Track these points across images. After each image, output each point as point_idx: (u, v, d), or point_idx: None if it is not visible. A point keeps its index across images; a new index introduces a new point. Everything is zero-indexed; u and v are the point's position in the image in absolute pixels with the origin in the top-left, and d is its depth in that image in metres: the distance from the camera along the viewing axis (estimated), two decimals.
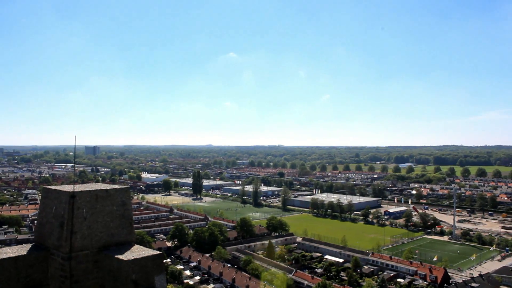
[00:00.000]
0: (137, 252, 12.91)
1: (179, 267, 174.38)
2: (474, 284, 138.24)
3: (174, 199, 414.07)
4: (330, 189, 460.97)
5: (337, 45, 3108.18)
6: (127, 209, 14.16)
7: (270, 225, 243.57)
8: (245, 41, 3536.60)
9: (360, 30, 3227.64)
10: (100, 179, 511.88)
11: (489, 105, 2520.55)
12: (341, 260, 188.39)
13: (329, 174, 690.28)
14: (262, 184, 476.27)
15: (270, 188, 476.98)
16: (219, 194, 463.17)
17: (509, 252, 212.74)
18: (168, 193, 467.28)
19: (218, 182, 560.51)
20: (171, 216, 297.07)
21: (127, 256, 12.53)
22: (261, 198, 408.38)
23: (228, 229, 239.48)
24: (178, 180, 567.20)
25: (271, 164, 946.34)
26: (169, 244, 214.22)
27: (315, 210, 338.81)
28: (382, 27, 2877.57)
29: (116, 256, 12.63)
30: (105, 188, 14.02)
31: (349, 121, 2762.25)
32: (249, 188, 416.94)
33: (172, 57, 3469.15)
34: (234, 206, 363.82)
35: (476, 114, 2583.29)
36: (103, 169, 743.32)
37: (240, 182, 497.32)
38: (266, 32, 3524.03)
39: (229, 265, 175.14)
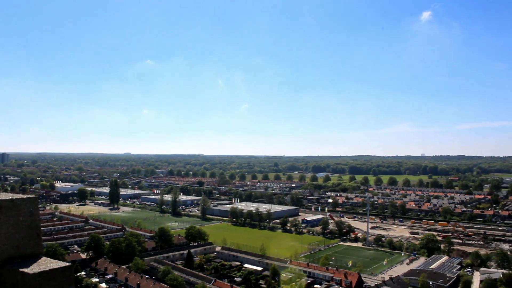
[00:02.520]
0: (44, 264, 12.19)
1: (95, 280, 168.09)
2: (385, 287, 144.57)
3: (90, 209, 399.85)
4: (249, 198, 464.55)
5: (255, 55, 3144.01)
6: (35, 220, 13.36)
7: (189, 234, 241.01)
8: (162, 49, 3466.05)
9: (276, 41, 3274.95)
10: (9, 188, 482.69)
11: (400, 118, 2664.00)
12: (260, 268, 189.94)
13: (248, 183, 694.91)
14: (181, 193, 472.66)
15: (189, 197, 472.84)
16: (137, 204, 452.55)
17: (417, 255, 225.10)
18: (84, 203, 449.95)
19: (136, 191, 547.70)
20: (86, 227, 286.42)
21: (33, 269, 11.80)
22: (180, 208, 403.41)
23: (146, 239, 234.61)
24: (95, 189, 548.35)
25: (191, 173, 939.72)
26: (84, 256, 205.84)
27: (234, 219, 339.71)
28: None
29: (21, 270, 11.85)
30: (10, 197, 13.16)
31: (268, 131, 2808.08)
32: (168, 197, 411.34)
33: (85, 61, 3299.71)
34: (153, 216, 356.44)
35: (388, 126, 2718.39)
36: (12, 177, 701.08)
37: (159, 191, 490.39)
38: (184, 40, 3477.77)
39: (147, 276, 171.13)
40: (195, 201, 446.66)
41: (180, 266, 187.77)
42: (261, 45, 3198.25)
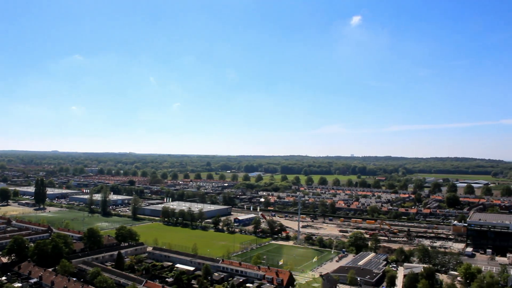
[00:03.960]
0: None
1: (17, 285, 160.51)
2: (315, 284, 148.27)
3: (13, 210, 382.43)
4: (181, 197, 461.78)
5: (188, 53, 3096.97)
6: None
7: (120, 235, 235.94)
8: (91, 43, 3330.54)
9: (209, 40, 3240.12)
10: None
11: (330, 119, 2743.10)
12: (192, 268, 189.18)
13: (180, 182, 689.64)
14: (112, 193, 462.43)
15: (120, 197, 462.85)
16: (65, 204, 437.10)
17: (346, 253, 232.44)
18: (6, 203, 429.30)
19: (64, 191, 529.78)
20: (8, 229, 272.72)
21: None
22: (110, 207, 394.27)
23: (74, 241, 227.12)
24: (19, 188, 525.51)
25: (122, 172, 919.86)
26: (5, 260, 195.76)
27: (166, 219, 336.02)
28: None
29: None
30: None
31: (201, 130, 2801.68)
32: (97, 197, 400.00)
33: (6, 54, 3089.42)
34: (81, 216, 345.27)
35: (319, 127, 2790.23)
36: None
37: (88, 191, 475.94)
38: (115, 35, 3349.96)
39: (74, 279, 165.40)
40: (126, 201, 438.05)
41: (110, 267, 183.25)
42: (195, 44, 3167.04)
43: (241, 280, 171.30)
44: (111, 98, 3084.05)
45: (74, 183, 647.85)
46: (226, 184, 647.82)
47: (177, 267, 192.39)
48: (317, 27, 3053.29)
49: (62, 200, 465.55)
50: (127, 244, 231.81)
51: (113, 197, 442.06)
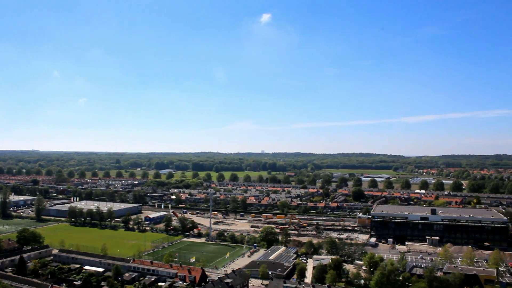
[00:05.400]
0: None
1: None
2: (227, 280, 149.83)
3: None
4: (89, 196, 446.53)
5: (95, 46, 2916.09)
6: None
7: (22, 238, 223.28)
8: None
9: (118, 34, 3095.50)
10: None
11: (241, 116, 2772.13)
12: (101, 270, 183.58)
13: (88, 180, 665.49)
14: (13, 193, 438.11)
15: (22, 197, 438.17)
16: None
17: (257, 248, 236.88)
18: None
19: None
20: None
21: None
22: (11, 209, 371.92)
23: None
24: None
25: (24, 170, 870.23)
26: None
27: (73, 219, 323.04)
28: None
29: None
30: None
31: (109, 127, 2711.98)
32: None
33: None
34: None
35: (230, 123, 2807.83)
36: None
37: None
38: (14, 23, 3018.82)
39: None
40: (29, 201, 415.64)
41: (10, 273, 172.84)
42: (102, 36, 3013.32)
43: (153, 279, 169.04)
44: (10, 91, 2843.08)
45: None
46: (136, 182, 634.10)
47: (85, 269, 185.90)
48: (226, 24, 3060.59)
49: None
50: (30, 247, 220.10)
51: (14, 197, 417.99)
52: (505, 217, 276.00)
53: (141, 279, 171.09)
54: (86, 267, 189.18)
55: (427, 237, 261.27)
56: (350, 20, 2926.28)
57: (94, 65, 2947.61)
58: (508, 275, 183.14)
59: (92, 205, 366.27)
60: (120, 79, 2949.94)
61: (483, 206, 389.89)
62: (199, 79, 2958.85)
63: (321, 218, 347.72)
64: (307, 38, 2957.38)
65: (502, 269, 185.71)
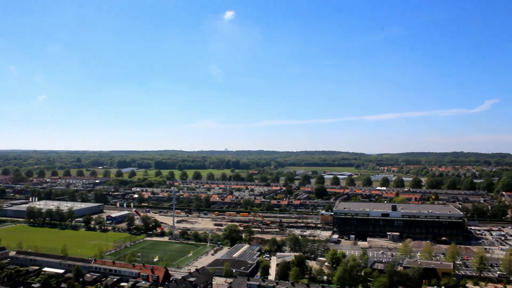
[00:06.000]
0: None
1: None
2: (191, 279, 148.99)
3: None
4: (49, 196, 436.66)
5: (54, 41, 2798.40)
6: None
7: None
8: None
9: (79, 29, 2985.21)
10: None
11: (205, 114, 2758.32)
12: (61, 271, 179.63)
13: (48, 180, 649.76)
14: None
15: None
16: None
17: (221, 246, 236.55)
18: None
19: None
20: None
21: None
22: None
23: None
24: None
25: None
26: None
27: (32, 220, 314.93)
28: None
29: None
30: None
31: (70, 124, 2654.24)
32: None
33: None
34: None
35: (193, 122, 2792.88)
36: None
37: None
38: None
39: None
40: None
41: None
42: (62, 31, 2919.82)
43: (115, 279, 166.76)
44: None
45: None
46: (98, 181, 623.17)
47: (44, 271, 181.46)
48: (190, 21, 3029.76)
49: None
50: None
51: None
52: (461, 213, 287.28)
53: (103, 279, 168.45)
54: (46, 268, 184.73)
55: (388, 233, 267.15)
56: (314, 19, 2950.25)
57: (53, 62, 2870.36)
58: (464, 267, 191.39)
59: (51, 205, 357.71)
60: (81, 76, 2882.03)
61: (441, 202, 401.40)
62: (162, 77, 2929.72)
63: (284, 215, 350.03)
64: (270, 37, 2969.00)
65: (458, 262, 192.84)
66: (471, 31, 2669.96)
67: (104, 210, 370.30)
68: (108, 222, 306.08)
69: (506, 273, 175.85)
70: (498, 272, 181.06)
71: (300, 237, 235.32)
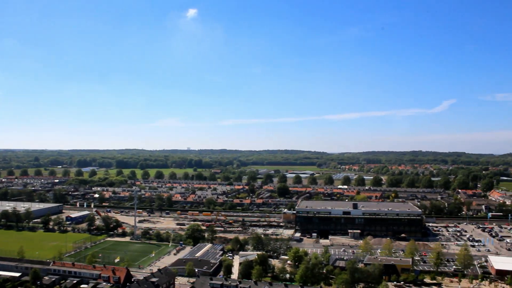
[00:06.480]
0: None
1: None
2: (153, 279, 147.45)
3: None
4: (5, 196, 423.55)
5: (8, 36, 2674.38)
6: None
7: None
8: None
9: (35, 23, 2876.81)
10: None
11: (167, 113, 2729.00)
12: (17, 274, 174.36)
13: (4, 179, 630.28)
14: None
15: None
16: None
17: (183, 245, 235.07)
18: None
19: None
20: None
21: None
22: None
23: None
24: None
25: None
26: None
27: None
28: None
29: None
30: None
31: (27, 122, 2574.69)
32: None
33: None
34: None
35: (155, 120, 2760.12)
36: None
37: None
38: None
39: None
40: None
41: None
42: (16, 26, 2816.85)
43: (75, 281, 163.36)
44: None
45: None
46: (57, 181, 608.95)
47: None
48: (152, 18, 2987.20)
49: None
50: None
51: None
52: (419, 210, 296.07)
53: (62, 282, 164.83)
54: (0, 272, 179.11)
55: (349, 231, 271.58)
56: (276, 18, 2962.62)
57: (10, 56, 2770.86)
58: (422, 263, 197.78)
59: (7, 205, 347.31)
60: (39, 72, 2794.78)
61: (400, 199, 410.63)
62: (123, 75, 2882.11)
63: (247, 214, 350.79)
64: (233, 35, 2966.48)
65: (416, 258, 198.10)
66: (429, 33, 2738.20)
67: (64, 211, 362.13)
68: (67, 222, 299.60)
69: (461, 267, 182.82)
70: (454, 267, 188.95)
71: (262, 236, 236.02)
